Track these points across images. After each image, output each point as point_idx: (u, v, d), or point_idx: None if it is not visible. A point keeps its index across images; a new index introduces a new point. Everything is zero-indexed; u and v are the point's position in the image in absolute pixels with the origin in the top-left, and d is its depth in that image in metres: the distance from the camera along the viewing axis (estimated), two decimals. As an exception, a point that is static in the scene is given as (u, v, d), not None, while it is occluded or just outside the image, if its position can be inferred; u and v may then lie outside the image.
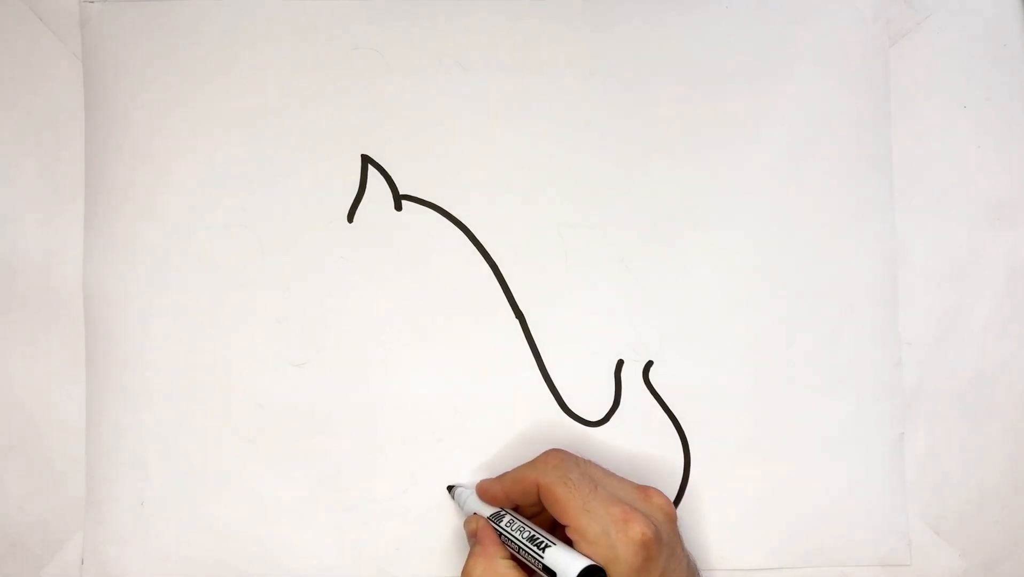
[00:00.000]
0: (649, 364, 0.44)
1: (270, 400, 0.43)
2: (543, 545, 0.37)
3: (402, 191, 0.44)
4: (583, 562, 0.35)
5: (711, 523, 0.44)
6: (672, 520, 0.38)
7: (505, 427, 0.43)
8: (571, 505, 0.36)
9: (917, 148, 0.45)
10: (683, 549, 0.38)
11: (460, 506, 0.42)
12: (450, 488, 0.43)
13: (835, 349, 0.44)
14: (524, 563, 0.38)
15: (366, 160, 0.44)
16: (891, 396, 0.44)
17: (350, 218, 0.44)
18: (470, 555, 0.38)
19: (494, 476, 0.41)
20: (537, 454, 0.40)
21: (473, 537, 0.40)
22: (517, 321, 0.44)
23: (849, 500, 0.44)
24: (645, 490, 0.38)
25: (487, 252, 0.44)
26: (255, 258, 0.44)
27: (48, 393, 0.44)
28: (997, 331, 0.45)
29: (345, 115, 0.44)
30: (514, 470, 0.40)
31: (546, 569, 0.36)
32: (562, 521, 0.37)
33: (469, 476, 0.43)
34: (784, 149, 0.44)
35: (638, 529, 0.35)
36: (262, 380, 0.43)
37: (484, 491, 0.41)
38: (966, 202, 0.45)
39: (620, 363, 0.44)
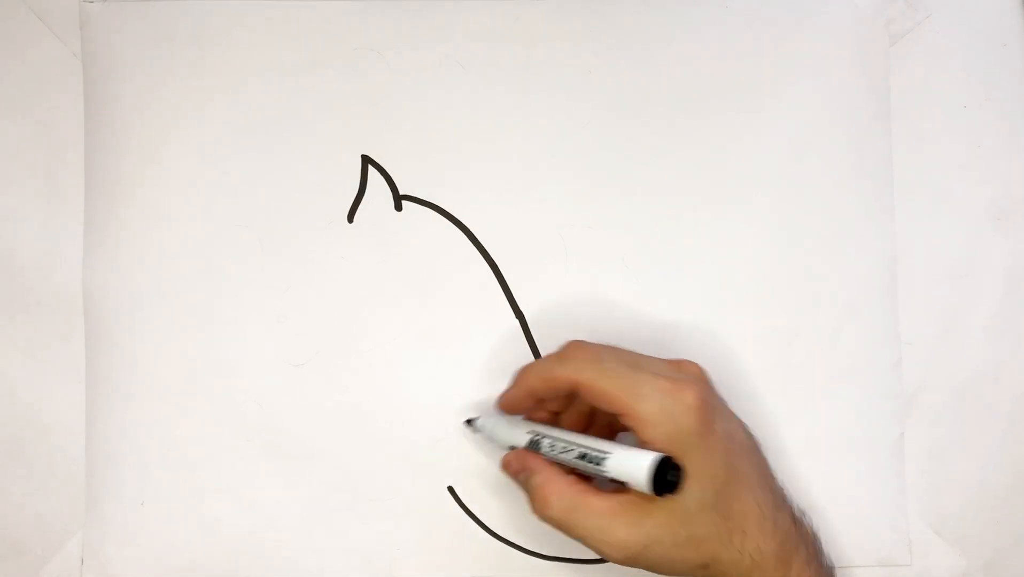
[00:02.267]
0: (649, 364, 0.44)
1: (270, 400, 0.43)
2: (598, 460, 0.35)
3: (402, 191, 0.44)
4: (648, 459, 0.33)
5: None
6: (711, 384, 0.38)
7: (505, 427, 0.43)
8: (622, 394, 0.35)
9: (917, 148, 0.45)
10: (733, 412, 0.38)
11: (490, 437, 0.40)
12: (468, 422, 0.42)
13: (835, 349, 0.44)
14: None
15: (366, 160, 0.44)
16: (891, 396, 0.44)
17: (350, 218, 0.44)
18: (533, 489, 0.36)
19: (509, 389, 0.40)
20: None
21: (522, 472, 0.38)
22: (517, 321, 0.44)
23: (849, 500, 0.44)
24: (677, 362, 0.38)
25: (487, 252, 0.44)
26: (255, 258, 0.44)
27: (48, 393, 0.44)
28: (997, 331, 0.45)
29: (345, 115, 0.44)
30: (535, 370, 0.39)
31: (616, 481, 0.34)
32: (613, 411, 0.36)
33: (469, 476, 0.43)
34: (784, 149, 0.44)
35: (691, 394, 0.35)
36: (262, 380, 0.43)
37: (509, 403, 0.39)
38: (966, 202, 0.45)
39: (620, 363, 0.44)
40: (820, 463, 0.44)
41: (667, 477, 0.33)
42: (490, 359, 0.44)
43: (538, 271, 0.44)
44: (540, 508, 0.36)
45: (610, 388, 0.36)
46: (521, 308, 0.44)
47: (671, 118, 0.44)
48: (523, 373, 0.39)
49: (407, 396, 0.43)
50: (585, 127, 0.44)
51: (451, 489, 0.43)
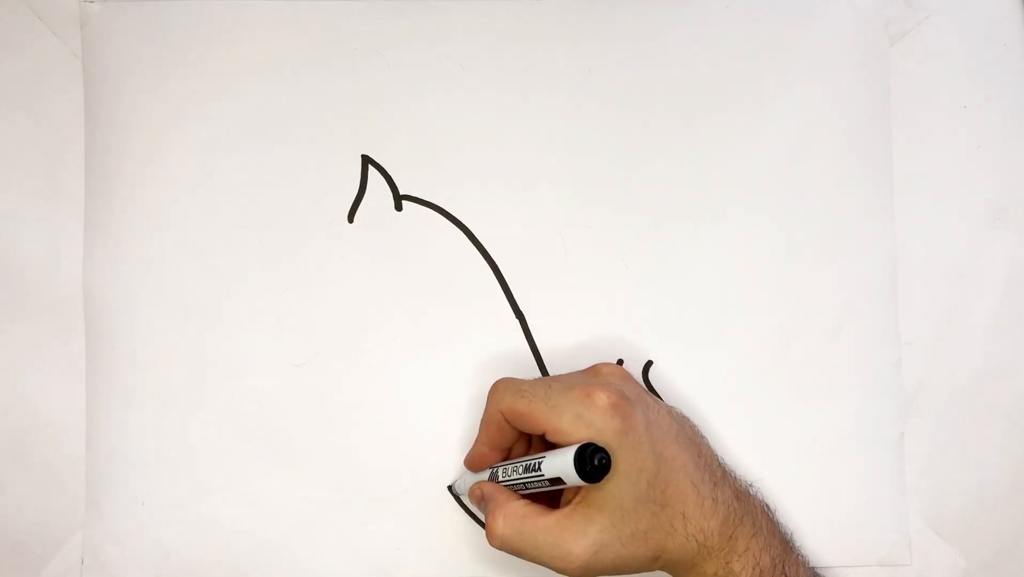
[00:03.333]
0: (649, 364, 0.44)
1: (270, 400, 0.43)
2: (537, 465, 0.36)
3: (402, 191, 0.44)
4: (571, 450, 0.34)
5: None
6: (628, 379, 0.39)
7: (505, 427, 0.43)
8: (537, 410, 0.37)
9: (917, 148, 0.45)
10: (657, 400, 0.39)
11: (464, 494, 0.42)
12: (450, 488, 0.43)
13: (835, 349, 0.44)
14: (542, 497, 0.37)
15: (366, 160, 0.44)
16: (891, 396, 0.44)
17: (350, 218, 0.44)
18: (487, 514, 0.38)
19: (470, 449, 0.41)
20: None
21: (484, 501, 0.39)
22: (517, 321, 0.44)
23: (849, 500, 0.44)
24: (593, 368, 0.40)
25: (487, 252, 0.44)
26: (255, 258, 0.44)
27: (48, 393, 0.44)
28: (997, 331, 0.45)
29: (345, 115, 0.44)
30: (482, 421, 0.40)
31: (554, 481, 0.35)
32: (538, 431, 0.37)
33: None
34: (784, 149, 0.44)
35: (601, 396, 0.36)
36: (262, 380, 0.43)
37: (471, 460, 0.41)
38: (966, 202, 0.45)
39: (620, 363, 0.44)
40: (820, 463, 0.44)
41: (595, 463, 0.33)
42: (490, 359, 0.44)
43: (538, 271, 0.44)
44: (490, 533, 0.37)
45: (528, 407, 0.37)
46: (521, 308, 0.44)
47: (671, 118, 0.44)
48: (478, 433, 0.40)
49: (407, 396, 0.43)
50: (585, 127, 0.44)
51: (451, 489, 0.43)
